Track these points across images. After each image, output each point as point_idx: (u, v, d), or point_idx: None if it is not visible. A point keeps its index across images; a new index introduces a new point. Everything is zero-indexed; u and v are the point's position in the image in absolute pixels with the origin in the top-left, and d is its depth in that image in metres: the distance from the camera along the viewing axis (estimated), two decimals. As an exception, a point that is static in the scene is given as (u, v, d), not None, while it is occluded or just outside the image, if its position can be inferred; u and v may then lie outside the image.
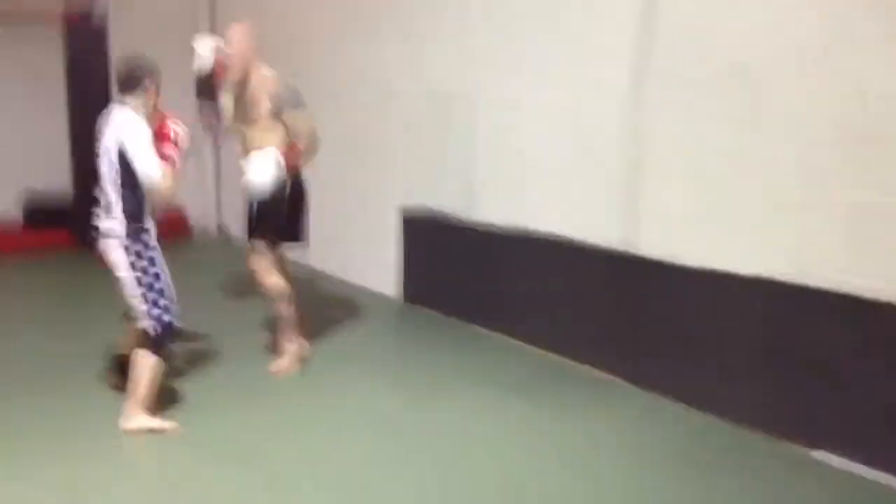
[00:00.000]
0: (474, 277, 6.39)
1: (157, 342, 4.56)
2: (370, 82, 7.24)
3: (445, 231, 6.59)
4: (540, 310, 5.84)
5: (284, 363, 5.43)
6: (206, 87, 4.74)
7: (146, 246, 4.52)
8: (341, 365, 5.60)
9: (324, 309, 6.80)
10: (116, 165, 4.42)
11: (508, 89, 5.93)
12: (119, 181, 4.44)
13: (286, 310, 5.39)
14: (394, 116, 7.03)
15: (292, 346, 5.47)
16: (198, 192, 9.48)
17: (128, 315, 4.77)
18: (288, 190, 5.23)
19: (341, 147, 7.29)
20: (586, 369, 5.42)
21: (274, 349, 5.59)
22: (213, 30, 8.61)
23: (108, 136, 4.46)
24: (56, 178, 8.86)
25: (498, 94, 6.02)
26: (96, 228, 4.57)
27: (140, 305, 4.51)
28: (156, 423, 4.60)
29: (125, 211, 4.47)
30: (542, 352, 5.76)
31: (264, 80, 5.16)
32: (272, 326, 5.75)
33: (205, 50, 4.80)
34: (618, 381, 5.23)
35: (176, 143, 4.56)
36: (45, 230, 8.74)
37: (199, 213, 9.77)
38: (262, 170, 5.07)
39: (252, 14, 7.50)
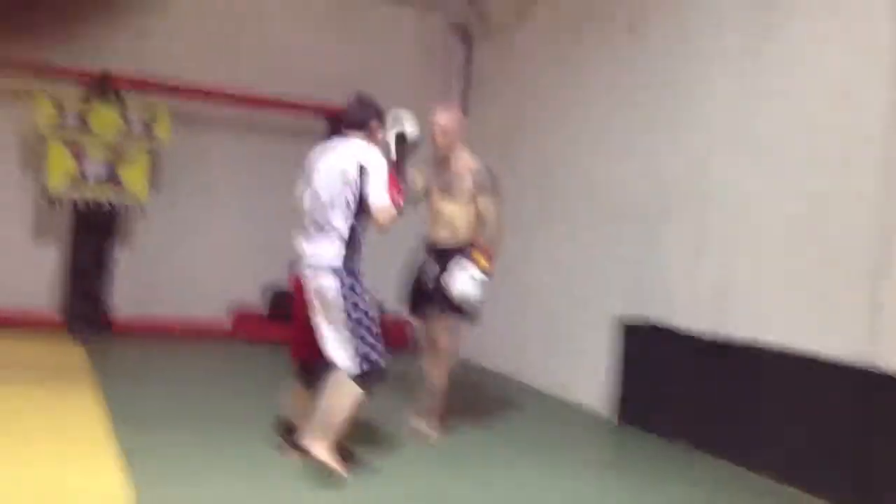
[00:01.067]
0: (705, 396, 5.84)
1: (363, 381, 4.40)
2: (596, 185, 7.24)
3: (672, 344, 6.17)
4: (779, 435, 5.26)
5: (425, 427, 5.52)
6: (403, 156, 4.82)
7: (357, 280, 4.46)
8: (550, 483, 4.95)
9: (529, 421, 6.62)
10: (347, 194, 4.47)
11: (742, 192, 5.74)
12: (346, 210, 4.47)
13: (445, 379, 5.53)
14: (612, 218, 6.98)
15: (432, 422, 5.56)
16: None
17: (302, 374, 4.73)
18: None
19: (551, 247, 7.61)
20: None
21: (427, 415, 5.58)
22: (465, 109, 9.06)
23: (336, 166, 4.53)
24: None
25: (728, 196, 5.85)
26: (299, 262, 4.58)
27: (346, 342, 4.40)
28: (334, 461, 4.41)
29: (345, 241, 4.45)
30: (789, 488, 5.08)
31: (467, 162, 5.53)
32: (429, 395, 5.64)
33: (412, 123, 4.92)
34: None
35: (399, 187, 4.56)
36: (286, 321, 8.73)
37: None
38: (470, 283, 5.33)
39: (499, 105, 8.79)
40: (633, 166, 6.87)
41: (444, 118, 5.54)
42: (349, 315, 4.43)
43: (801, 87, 5.41)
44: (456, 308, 5.45)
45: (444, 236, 5.54)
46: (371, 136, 4.70)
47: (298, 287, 4.74)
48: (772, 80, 5.63)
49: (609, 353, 6.76)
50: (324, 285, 4.47)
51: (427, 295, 5.52)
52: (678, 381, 6.09)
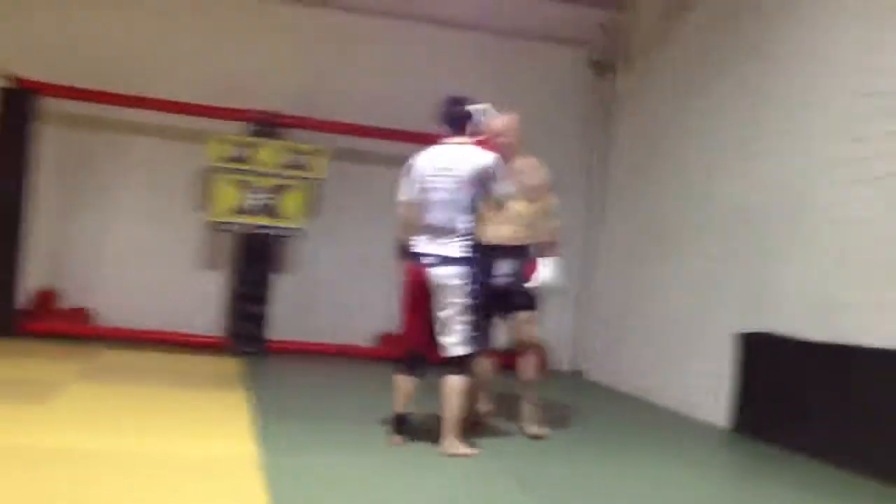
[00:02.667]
0: (825, 405, 5.86)
1: (467, 363, 5.01)
2: (723, 209, 7.43)
3: (790, 353, 6.25)
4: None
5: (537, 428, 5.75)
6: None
7: (473, 272, 4.97)
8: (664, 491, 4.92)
9: (644, 432, 6.84)
10: (470, 194, 4.99)
11: (855, 203, 5.81)
12: (468, 209, 4.99)
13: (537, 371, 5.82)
14: (738, 241, 7.13)
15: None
16: (557, 326, 9.67)
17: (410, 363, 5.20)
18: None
19: (681, 265, 7.85)
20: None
21: (528, 417, 5.83)
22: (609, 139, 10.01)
23: (456, 168, 5.01)
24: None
25: (840, 209, 5.94)
26: (424, 255, 5.04)
27: (460, 330, 4.97)
28: (466, 450, 5.03)
29: (467, 238, 4.99)
30: None
31: (529, 161, 5.77)
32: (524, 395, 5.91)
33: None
34: None
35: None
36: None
37: (558, 347, 10.05)
38: (555, 273, 5.70)
39: (637, 135, 9.53)
40: (749, 182, 7.06)
41: (508, 119, 5.68)
42: (465, 304, 4.96)
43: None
44: (532, 301, 5.71)
45: (507, 235, 5.64)
46: (479, 138, 5.20)
47: (415, 280, 5.11)
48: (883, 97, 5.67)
49: (729, 366, 6.88)
50: (450, 274, 4.96)
51: (501, 294, 5.61)
52: (797, 392, 6.14)
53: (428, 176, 5.09)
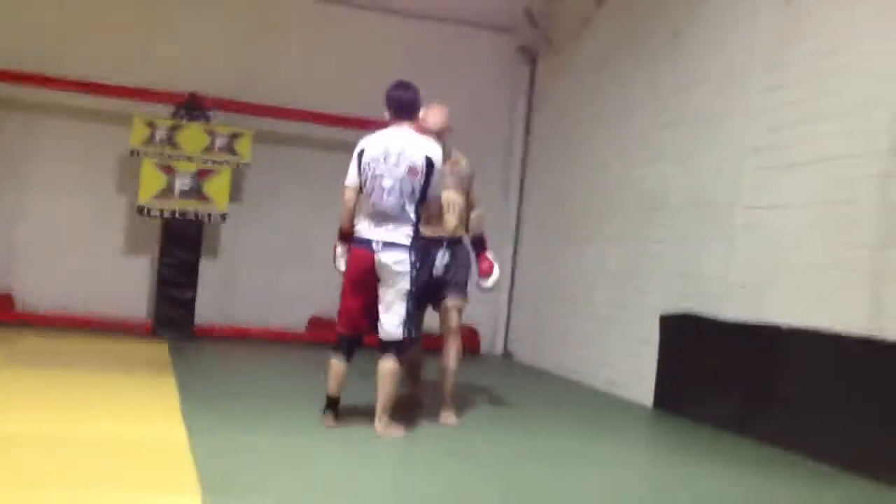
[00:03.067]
0: (742, 382, 6.09)
1: (404, 347, 5.12)
2: (642, 194, 7.61)
3: (711, 333, 6.46)
4: (812, 413, 5.44)
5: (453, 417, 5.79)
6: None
7: (418, 258, 5.08)
8: (587, 468, 5.00)
9: (571, 410, 6.98)
10: (419, 181, 5.05)
11: (772, 189, 6.05)
12: (416, 196, 5.06)
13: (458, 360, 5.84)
14: (658, 225, 7.32)
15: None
16: (490, 311, 9.96)
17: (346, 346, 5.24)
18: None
19: (601, 250, 8.04)
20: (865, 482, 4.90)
21: (446, 399, 5.84)
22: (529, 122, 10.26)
23: (408, 155, 5.04)
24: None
25: (758, 194, 6.15)
26: (373, 242, 5.05)
27: (401, 314, 5.06)
28: (396, 431, 5.13)
29: (414, 224, 5.07)
30: (817, 463, 5.23)
31: (458, 155, 5.85)
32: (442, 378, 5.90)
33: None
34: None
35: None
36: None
37: (489, 331, 10.26)
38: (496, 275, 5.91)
39: (558, 119, 9.81)
40: (667, 166, 7.27)
41: (444, 113, 5.67)
42: (409, 289, 5.05)
43: (828, 86, 5.65)
44: (463, 290, 5.81)
45: (451, 227, 5.67)
46: (415, 124, 5.24)
47: (360, 265, 5.12)
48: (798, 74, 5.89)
49: (652, 346, 7.10)
50: (397, 260, 5.02)
51: (438, 282, 5.68)
52: (711, 368, 6.40)
53: (381, 161, 5.08)
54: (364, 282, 5.12)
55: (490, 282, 5.86)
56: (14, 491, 3.48)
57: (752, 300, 6.09)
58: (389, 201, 5.04)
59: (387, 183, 5.04)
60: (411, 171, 5.03)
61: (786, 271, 5.83)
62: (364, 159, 5.12)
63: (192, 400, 5.59)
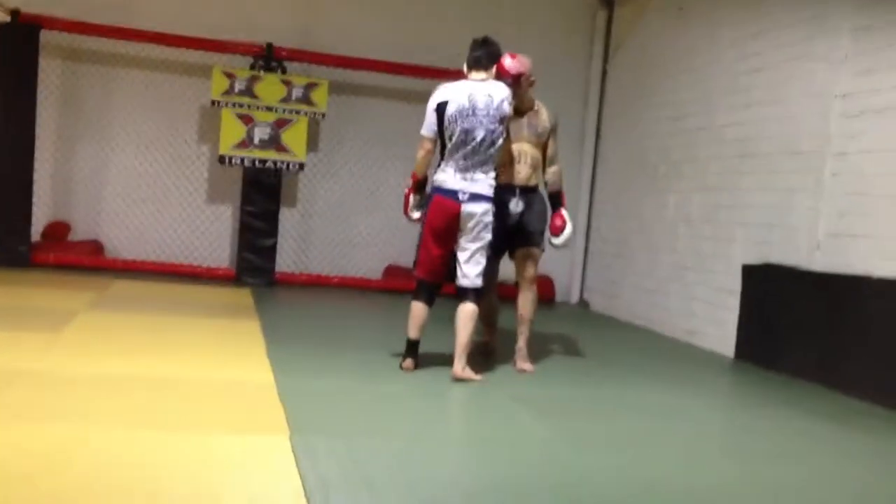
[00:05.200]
0: (821, 332, 6.02)
1: (482, 294, 5.23)
2: (726, 141, 7.44)
3: (795, 284, 6.35)
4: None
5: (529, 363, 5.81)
6: None
7: (494, 209, 5.15)
8: (665, 422, 4.88)
9: (649, 360, 6.97)
10: (501, 131, 5.09)
11: (864, 136, 5.87)
12: (497, 146, 5.10)
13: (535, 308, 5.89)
14: (743, 173, 7.17)
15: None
16: (566, 260, 9.94)
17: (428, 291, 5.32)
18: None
19: (685, 197, 7.88)
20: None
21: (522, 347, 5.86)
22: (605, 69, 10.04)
23: (496, 106, 5.06)
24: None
25: (848, 142, 5.99)
26: (458, 192, 5.07)
27: (482, 263, 5.17)
28: (474, 375, 5.20)
29: (494, 175, 5.15)
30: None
31: (539, 106, 5.78)
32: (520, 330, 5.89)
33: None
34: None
35: None
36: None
37: (566, 280, 10.24)
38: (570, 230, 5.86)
39: (635, 65, 9.52)
40: (752, 113, 7.08)
41: (526, 64, 5.57)
42: (487, 239, 5.13)
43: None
44: (539, 240, 5.78)
45: (523, 176, 5.65)
46: (497, 70, 5.26)
47: (444, 214, 5.14)
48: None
49: (734, 296, 7.00)
50: (480, 211, 5.08)
51: (511, 231, 5.64)
52: (796, 319, 6.28)
53: (469, 113, 5.05)
54: (447, 231, 5.16)
55: (561, 239, 5.81)
56: (113, 430, 3.63)
57: (838, 250, 5.95)
58: (479, 152, 5.06)
59: (479, 134, 5.03)
60: (495, 120, 5.05)
61: (874, 220, 5.68)
62: (449, 111, 5.08)
63: (277, 344, 5.73)
